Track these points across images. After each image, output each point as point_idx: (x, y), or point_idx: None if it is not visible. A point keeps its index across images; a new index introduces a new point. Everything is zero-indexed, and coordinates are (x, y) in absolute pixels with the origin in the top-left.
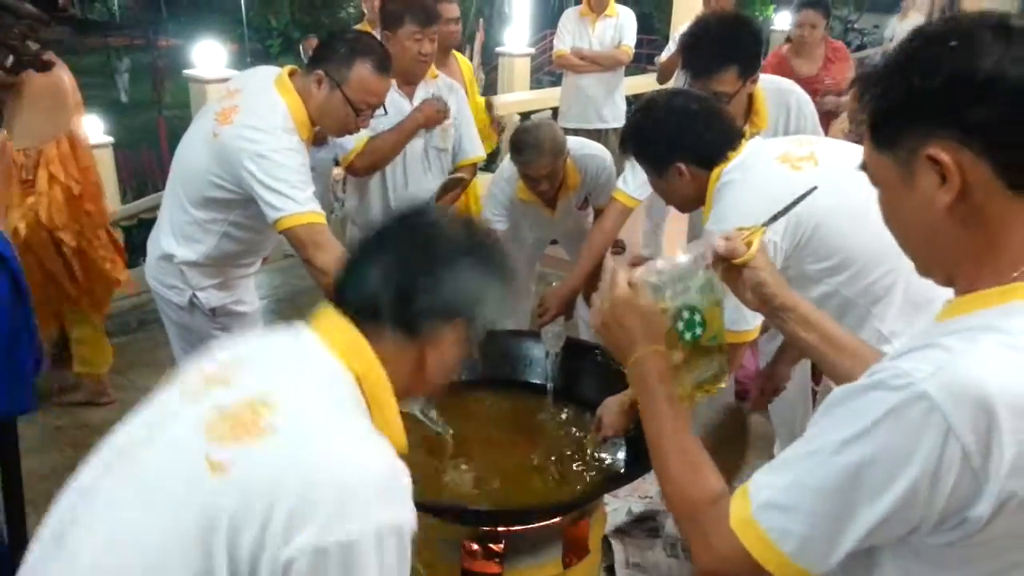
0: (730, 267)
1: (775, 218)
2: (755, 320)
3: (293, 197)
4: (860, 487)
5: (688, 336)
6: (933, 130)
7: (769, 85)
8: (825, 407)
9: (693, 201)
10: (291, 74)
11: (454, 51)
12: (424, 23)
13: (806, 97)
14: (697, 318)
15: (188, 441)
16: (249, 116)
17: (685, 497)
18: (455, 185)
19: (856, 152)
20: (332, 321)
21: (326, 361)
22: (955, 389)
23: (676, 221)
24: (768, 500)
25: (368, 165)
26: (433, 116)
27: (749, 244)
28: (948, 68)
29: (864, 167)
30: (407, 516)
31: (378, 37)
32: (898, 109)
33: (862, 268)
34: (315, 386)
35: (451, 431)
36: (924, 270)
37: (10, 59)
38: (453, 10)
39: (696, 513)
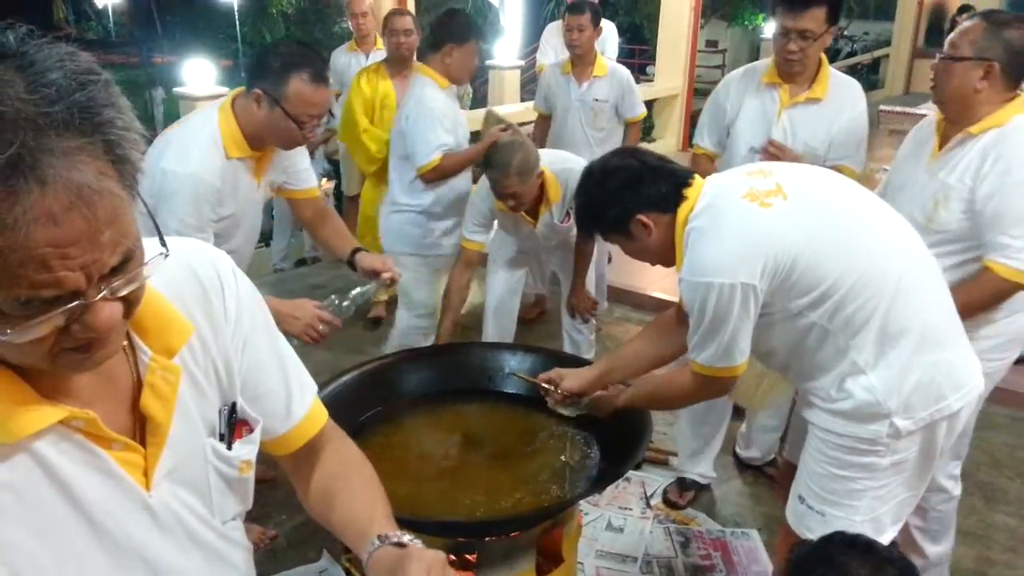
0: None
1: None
2: (741, 358)
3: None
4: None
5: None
6: None
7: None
8: None
9: (668, 252)
10: (238, 95)
11: (417, 62)
12: (481, 40)
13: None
14: None
15: None
16: (173, 140)
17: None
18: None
19: (818, 174)
20: None
21: None
22: None
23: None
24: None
25: (438, 177)
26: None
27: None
28: None
29: None
30: None
31: (364, 56)
32: None
33: (843, 299)
34: None
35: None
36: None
37: None
38: (406, 22)
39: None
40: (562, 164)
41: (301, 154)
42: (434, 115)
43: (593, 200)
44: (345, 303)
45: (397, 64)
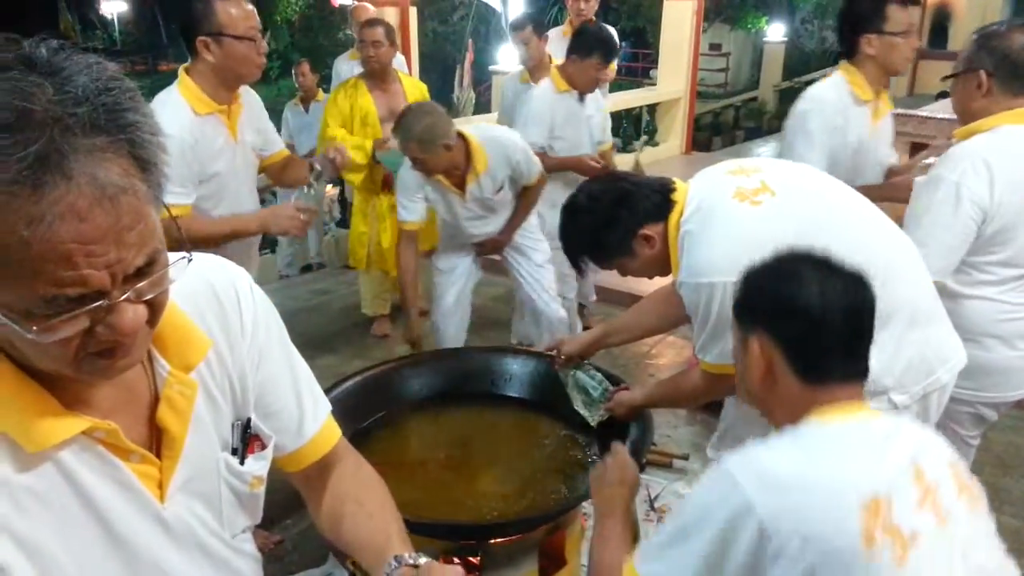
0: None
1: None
2: None
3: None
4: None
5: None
6: (756, 327)
7: None
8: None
9: (665, 261)
10: (188, 68)
11: (399, 72)
12: (606, 59)
13: None
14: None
15: None
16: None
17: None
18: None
19: (797, 170)
20: None
21: None
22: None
23: None
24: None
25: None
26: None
27: None
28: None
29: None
30: None
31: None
32: (739, 308)
33: None
34: None
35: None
36: (749, 402)
37: None
38: (376, 33)
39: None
40: (488, 133)
41: (267, 119)
42: (530, 113)
43: (590, 229)
44: (313, 191)
45: (373, 77)
